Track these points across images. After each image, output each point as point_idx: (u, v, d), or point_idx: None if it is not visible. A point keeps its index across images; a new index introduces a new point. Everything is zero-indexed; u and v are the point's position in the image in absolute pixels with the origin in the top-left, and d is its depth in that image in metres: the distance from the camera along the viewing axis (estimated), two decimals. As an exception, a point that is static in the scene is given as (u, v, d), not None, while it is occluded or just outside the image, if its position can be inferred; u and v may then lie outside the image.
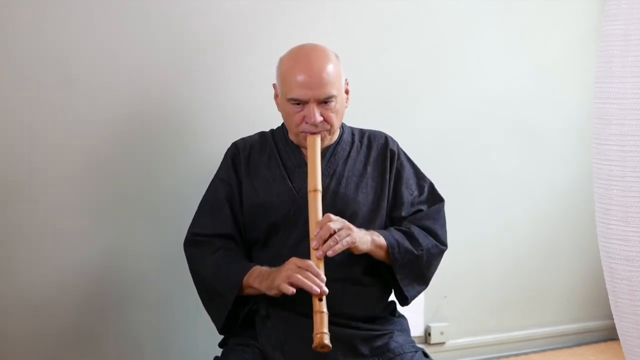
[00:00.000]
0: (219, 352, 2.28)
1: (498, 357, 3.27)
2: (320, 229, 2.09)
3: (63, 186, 2.53)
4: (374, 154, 2.34)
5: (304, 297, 2.19)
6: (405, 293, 2.27)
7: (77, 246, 2.56)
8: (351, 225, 2.14)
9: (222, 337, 2.35)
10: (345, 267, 2.23)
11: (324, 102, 2.20)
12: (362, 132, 2.39)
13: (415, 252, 2.24)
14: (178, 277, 2.44)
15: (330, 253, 2.07)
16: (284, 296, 2.19)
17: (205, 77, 2.68)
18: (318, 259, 2.08)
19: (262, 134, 2.39)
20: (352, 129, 2.38)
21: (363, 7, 2.91)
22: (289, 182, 2.26)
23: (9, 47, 2.43)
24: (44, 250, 2.52)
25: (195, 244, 2.27)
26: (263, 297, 2.22)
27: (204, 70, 2.68)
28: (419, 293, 2.33)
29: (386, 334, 2.26)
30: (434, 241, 2.30)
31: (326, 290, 2.03)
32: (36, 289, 2.51)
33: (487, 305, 3.27)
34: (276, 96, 2.31)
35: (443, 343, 3.18)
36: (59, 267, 2.54)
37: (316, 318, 2.01)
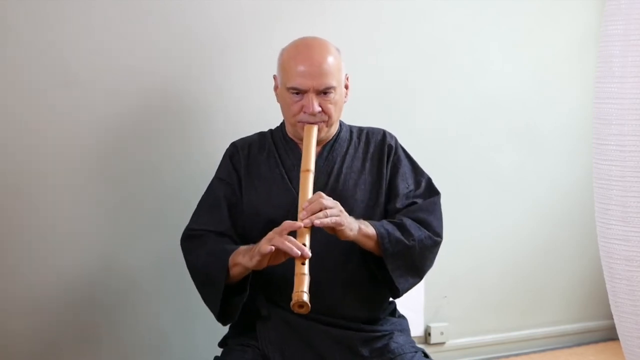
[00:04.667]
0: (219, 352, 2.27)
1: (498, 357, 3.27)
2: (311, 203, 2.06)
3: (63, 186, 2.53)
4: (371, 149, 2.34)
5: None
6: (397, 285, 2.19)
7: (77, 246, 2.56)
8: (342, 209, 2.10)
9: (222, 337, 2.35)
10: (345, 269, 2.23)
11: (323, 92, 2.21)
12: (360, 129, 2.38)
13: (406, 242, 2.17)
14: (178, 277, 2.44)
15: (317, 222, 2.01)
16: (283, 296, 2.18)
17: (206, 77, 2.68)
18: (305, 227, 2.02)
19: (260, 134, 2.39)
20: (351, 127, 2.38)
21: (362, 7, 2.91)
22: (287, 181, 2.26)
23: (8, 47, 2.43)
24: (44, 250, 2.52)
25: (190, 238, 2.27)
26: (263, 298, 2.23)
27: (204, 70, 2.68)
28: (412, 285, 2.24)
29: (386, 334, 2.25)
30: (428, 232, 2.24)
31: (309, 253, 1.98)
32: (36, 289, 2.52)
33: (487, 305, 3.27)
34: (276, 87, 2.32)
35: (443, 343, 3.18)
36: (59, 267, 2.54)
37: (297, 279, 1.95)
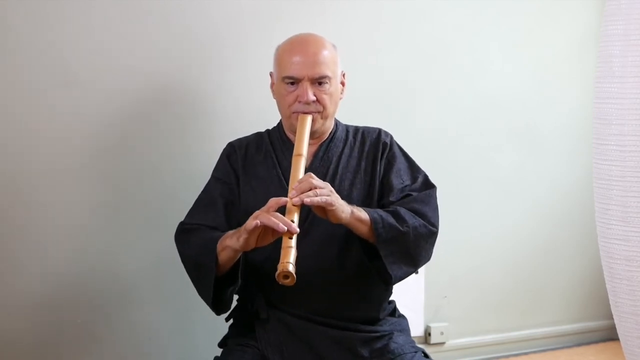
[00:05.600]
0: (218, 352, 2.27)
1: (498, 357, 3.27)
2: (301, 182, 2.04)
3: (62, 186, 2.53)
4: (367, 148, 2.33)
5: (303, 300, 2.19)
6: (390, 272, 2.15)
7: (77, 246, 2.56)
8: (333, 190, 2.09)
9: (222, 337, 2.35)
10: (342, 268, 2.22)
11: (318, 82, 2.21)
12: (356, 129, 2.38)
13: (400, 228, 2.14)
14: (178, 277, 2.44)
15: (307, 200, 2.00)
16: (282, 297, 2.19)
17: (206, 77, 2.68)
18: (294, 205, 2.00)
19: (257, 134, 2.39)
20: (347, 126, 2.38)
21: (362, 7, 2.91)
22: (284, 182, 2.25)
23: (8, 47, 2.43)
24: (43, 250, 2.52)
25: (184, 231, 2.26)
26: (262, 300, 2.22)
27: (204, 70, 2.68)
28: (406, 274, 2.20)
29: (386, 334, 2.25)
30: (422, 221, 2.21)
31: (296, 229, 1.95)
32: (36, 288, 2.52)
33: (487, 305, 3.27)
34: (272, 84, 2.32)
35: (443, 343, 3.18)
36: (59, 267, 2.54)
37: (283, 252, 1.93)
